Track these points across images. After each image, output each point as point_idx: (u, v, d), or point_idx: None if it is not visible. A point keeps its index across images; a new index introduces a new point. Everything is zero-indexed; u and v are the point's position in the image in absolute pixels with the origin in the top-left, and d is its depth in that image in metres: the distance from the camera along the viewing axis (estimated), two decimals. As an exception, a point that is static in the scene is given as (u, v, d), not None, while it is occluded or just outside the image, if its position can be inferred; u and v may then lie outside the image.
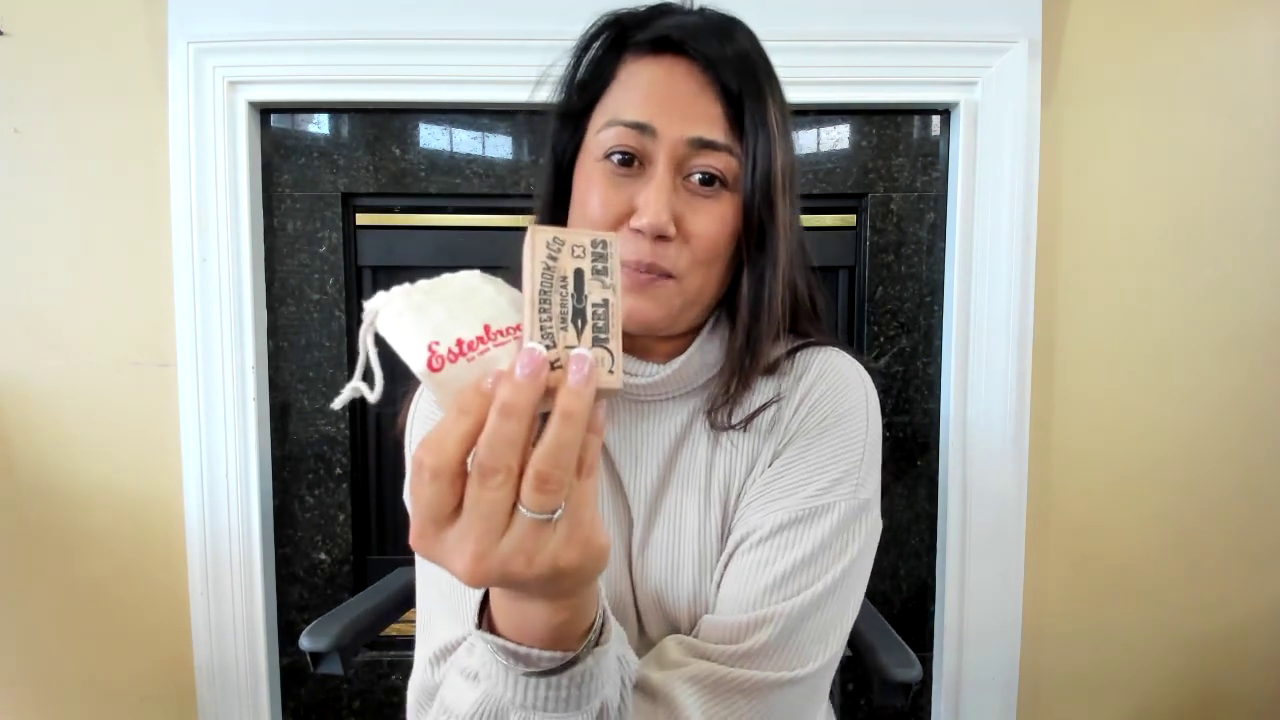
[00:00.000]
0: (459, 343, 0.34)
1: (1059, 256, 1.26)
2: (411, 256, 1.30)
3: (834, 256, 1.29)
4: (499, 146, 1.26)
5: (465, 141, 1.25)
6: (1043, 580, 1.31)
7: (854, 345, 1.31)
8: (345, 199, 1.25)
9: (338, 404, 0.38)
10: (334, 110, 1.24)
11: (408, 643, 1.32)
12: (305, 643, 0.79)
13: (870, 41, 1.18)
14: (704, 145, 0.53)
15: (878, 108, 1.23)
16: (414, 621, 0.60)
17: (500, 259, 1.54)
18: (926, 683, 1.33)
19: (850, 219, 1.29)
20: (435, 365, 0.34)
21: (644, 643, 0.60)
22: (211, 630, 1.25)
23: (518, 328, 0.36)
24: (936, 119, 1.25)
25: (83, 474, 1.26)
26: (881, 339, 1.29)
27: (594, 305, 0.36)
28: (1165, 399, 1.29)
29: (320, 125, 1.25)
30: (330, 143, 1.25)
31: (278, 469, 1.28)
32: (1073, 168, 1.25)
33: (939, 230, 1.26)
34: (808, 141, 1.25)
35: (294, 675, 1.31)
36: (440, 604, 0.57)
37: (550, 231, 0.36)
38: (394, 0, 1.17)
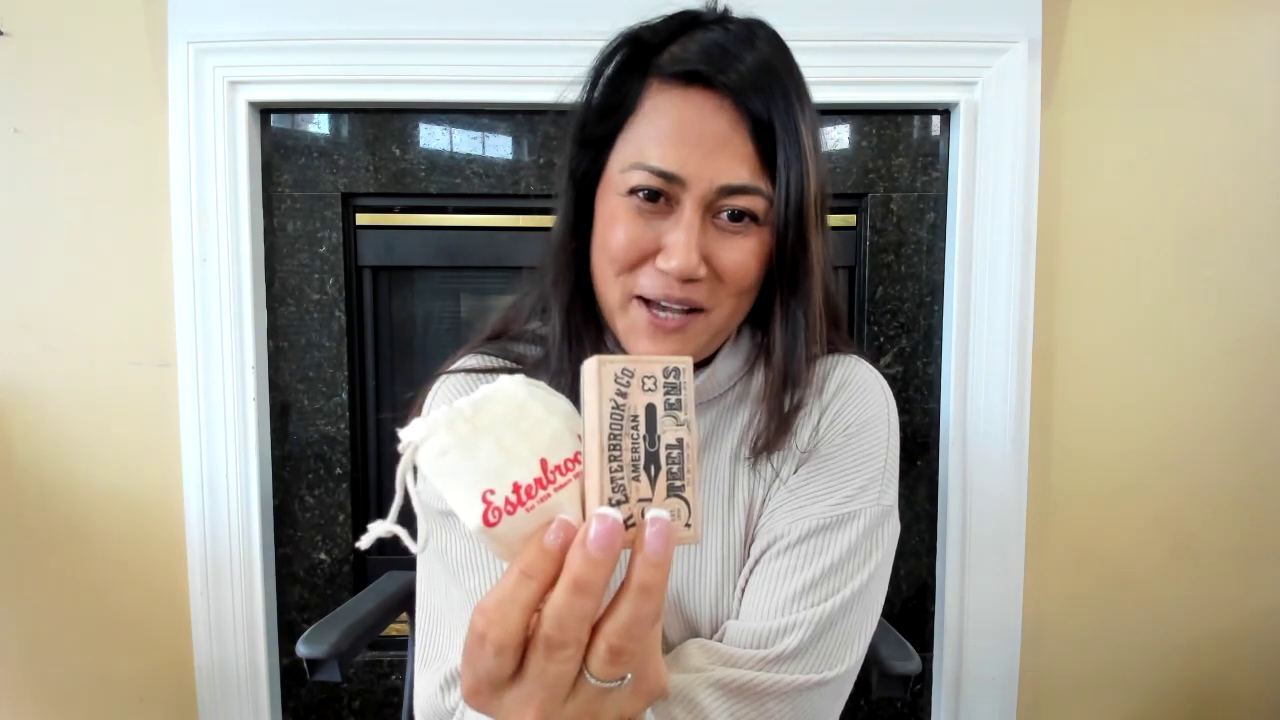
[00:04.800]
0: (516, 489, 0.30)
1: (1059, 256, 1.26)
2: (411, 256, 1.30)
3: (834, 256, 1.29)
4: (499, 146, 1.25)
5: (465, 141, 1.25)
6: (1043, 580, 1.31)
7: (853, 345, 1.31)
8: (345, 199, 1.25)
9: (364, 543, 0.32)
10: (334, 110, 1.24)
11: (407, 643, 1.32)
12: (302, 650, 0.79)
13: (870, 41, 1.18)
14: (733, 191, 0.52)
15: (878, 108, 1.23)
16: (411, 622, 0.60)
17: (500, 259, 1.53)
18: (927, 683, 1.33)
19: (850, 219, 1.29)
20: (492, 519, 0.30)
21: (662, 646, 0.60)
22: (211, 630, 1.25)
23: (576, 458, 0.32)
24: (936, 119, 1.25)
25: (83, 474, 1.26)
26: (881, 339, 1.29)
27: (668, 447, 0.32)
28: (1165, 399, 1.29)
29: (320, 125, 1.25)
30: (330, 143, 1.25)
31: (278, 469, 1.28)
32: (1073, 168, 1.25)
33: (939, 230, 1.26)
34: (808, 141, 1.25)
35: (294, 675, 1.30)
36: (447, 625, 0.56)
37: (618, 362, 0.32)
38: (394, 0, 1.17)
